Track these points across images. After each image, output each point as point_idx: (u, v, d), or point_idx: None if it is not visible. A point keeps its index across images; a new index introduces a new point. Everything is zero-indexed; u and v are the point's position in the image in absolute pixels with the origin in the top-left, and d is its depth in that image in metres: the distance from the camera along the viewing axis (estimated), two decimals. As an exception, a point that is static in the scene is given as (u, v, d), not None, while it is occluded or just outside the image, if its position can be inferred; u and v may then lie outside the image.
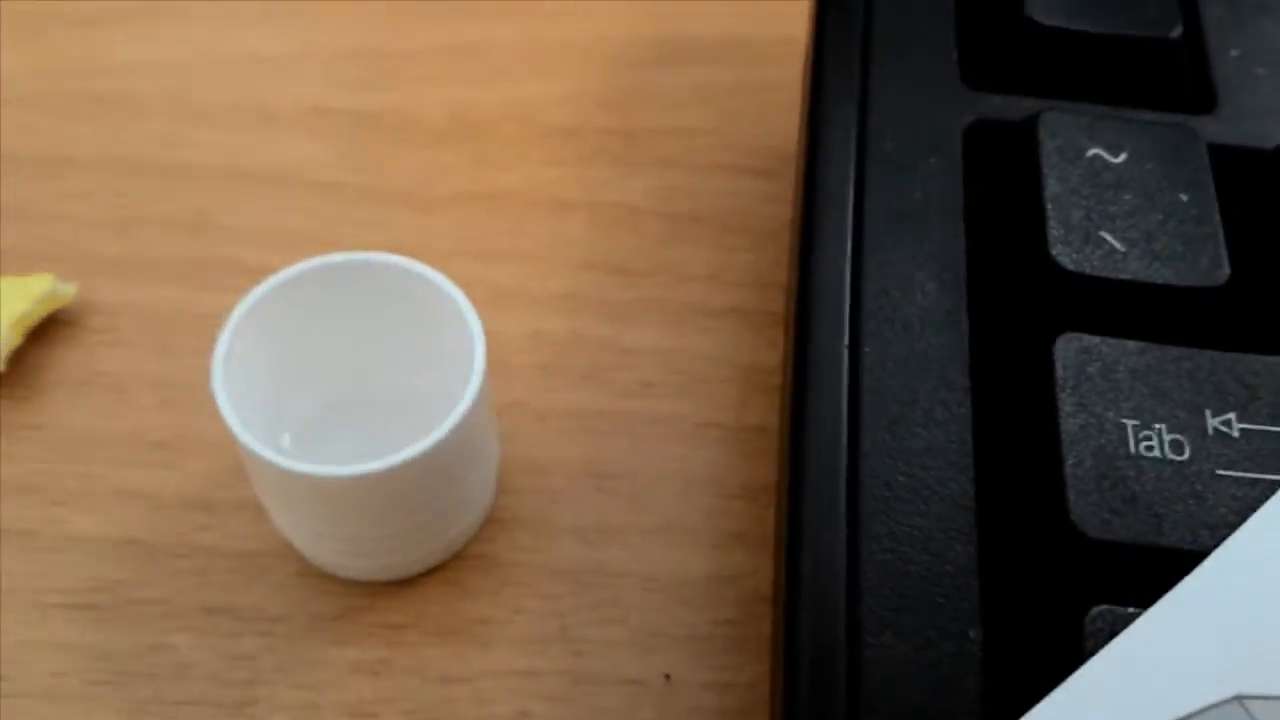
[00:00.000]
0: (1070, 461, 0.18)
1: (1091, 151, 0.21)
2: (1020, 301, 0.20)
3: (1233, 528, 0.17)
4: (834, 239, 0.21)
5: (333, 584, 0.24)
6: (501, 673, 0.23)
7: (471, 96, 0.32)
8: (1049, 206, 0.20)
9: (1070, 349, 0.19)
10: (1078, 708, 0.16)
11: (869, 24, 0.24)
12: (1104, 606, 0.17)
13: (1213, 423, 0.18)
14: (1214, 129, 0.23)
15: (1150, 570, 0.17)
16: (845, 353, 0.20)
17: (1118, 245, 0.20)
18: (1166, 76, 0.23)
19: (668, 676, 0.23)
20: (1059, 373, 0.19)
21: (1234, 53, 0.24)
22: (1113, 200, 0.21)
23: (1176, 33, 0.23)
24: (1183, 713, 0.16)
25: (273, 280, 0.22)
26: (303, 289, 0.23)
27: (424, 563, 0.24)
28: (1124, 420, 0.18)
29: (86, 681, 0.23)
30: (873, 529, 0.18)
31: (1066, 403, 0.19)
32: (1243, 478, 0.18)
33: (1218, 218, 0.20)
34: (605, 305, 0.29)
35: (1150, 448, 0.18)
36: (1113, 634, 0.17)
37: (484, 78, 0.33)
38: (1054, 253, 0.20)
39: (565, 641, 0.23)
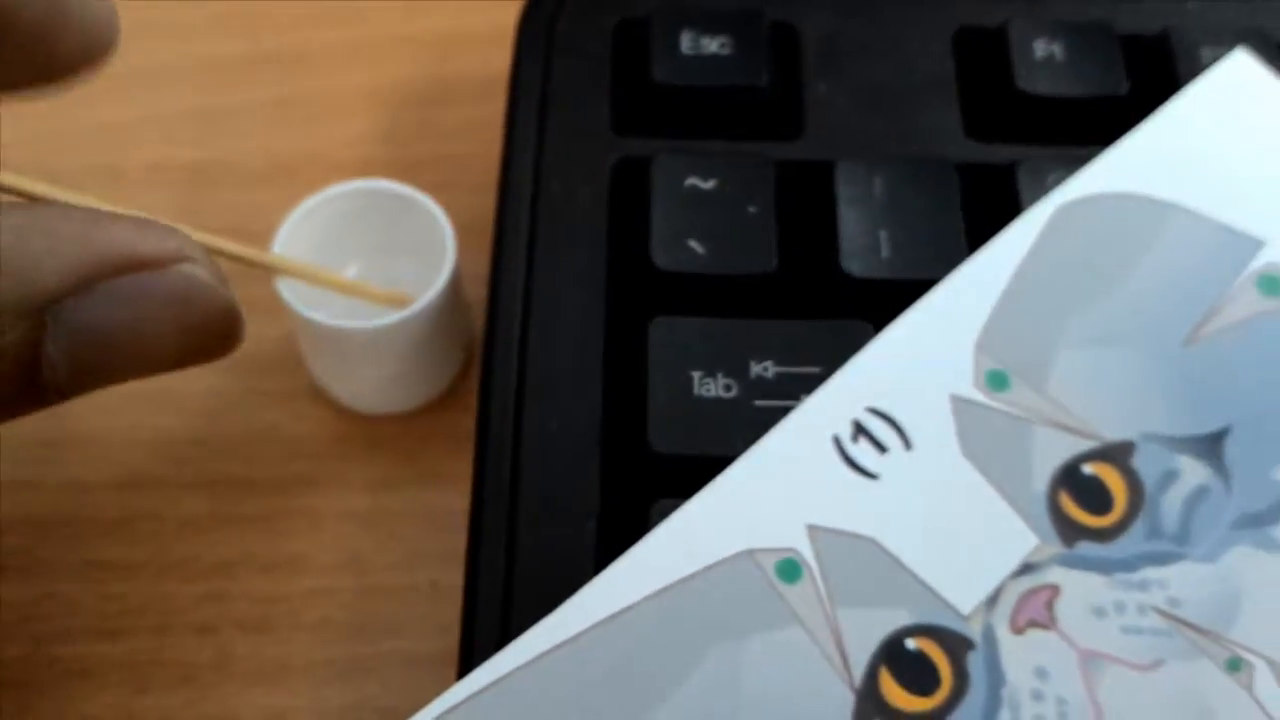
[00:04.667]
0: (651, 405, 0.26)
1: (689, 181, 0.29)
2: (635, 294, 0.28)
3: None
4: (514, 253, 0.30)
5: (180, 538, 0.32)
6: (308, 592, 0.31)
7: (283, 143, 0.40)
8: (653, 223, 0.29)
9: (660, 327, 0.27)
10: (633, 571, 0.24)
11: (546, 85, 0.32)
12: (665, 500, 0.25)
13: (755, 369, 0.27)
14: (794, 151, 0.31)
15: (702, 473, 0.26)
16: (518, 331, 0.28)
17: (700, 249, 0.28)
18: (761, 114, 0.31)
19: (434, 583, 0.31)
20: (650, 345, 0.27)
21: (821, 88, 0.32)
22: (700, 216, 0.29)
23: (765, 81, 0.31)
24: (700, 565, 0.24)
25: (309, 201, 0.32)
26: (337, 204, 0.32)
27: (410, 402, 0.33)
28: (692, 373, 0.27)
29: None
30: (531, 457, 0.27)
31: (653, 365, 0.27)
32: (772, 405, 0.26)
33: (774, 221, 0.29)
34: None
35: (709, 390, 0.27)
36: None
37: (293, 126, 0.41)
38: (653, 257, 0.28)
39: (355, 565, 0.32)
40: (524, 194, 0.30)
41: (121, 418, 0.34)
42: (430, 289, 0.30)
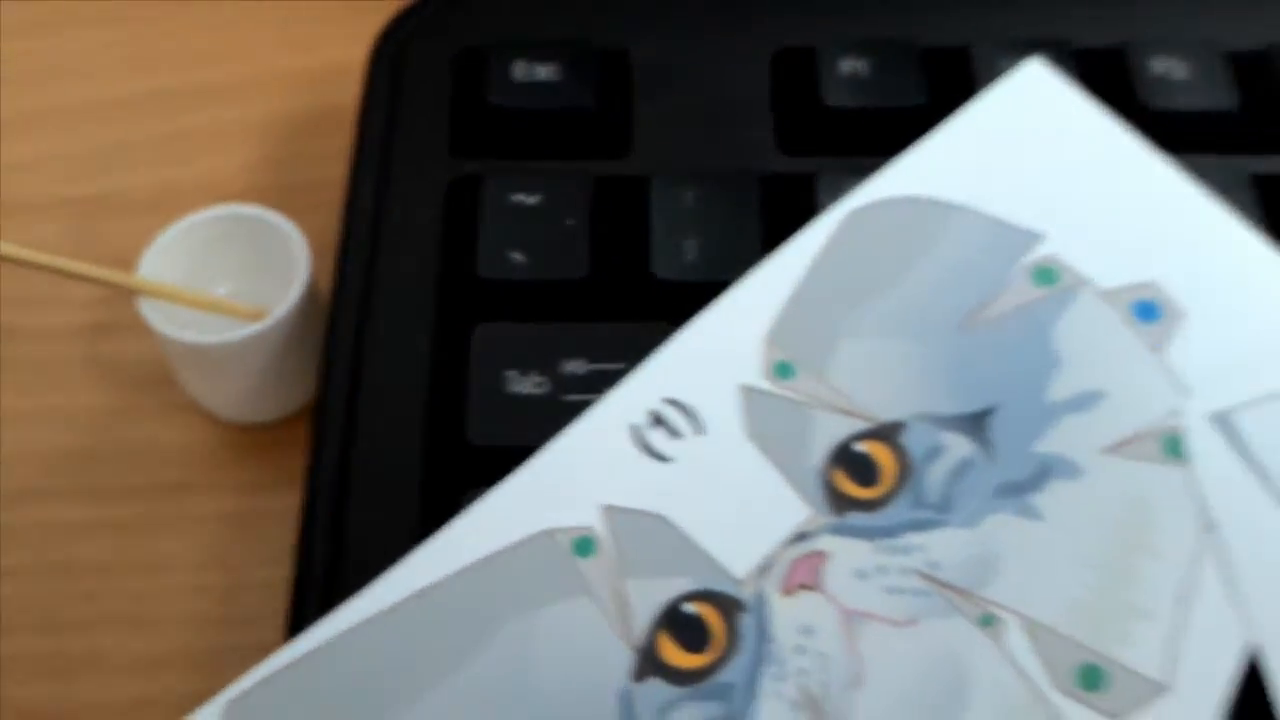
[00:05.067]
0: (469, 402, 0.29)
1: (515, 197, 0.32)
2: (462, 303, 0.31)
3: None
4: (355, 269, 0.32)
5: (62, 543, 0.34)
6: (181, 588, 0.34)
7: (174, 174, 0.43)
8: (480, 237, 0.31)
9: (482, 333, 0.30)
10: (439, 551, 0.26)
11: (392, 110, 0.34)
12: (477, 489, 0.28)
13: (567, 367, 0.29)
14: (620, 168, 0.33)
15: (516, 464, 0.28)
16: (354, 334, 0.31)
17: (521, 259, 0.31)
18: (589, 134, 0.34)
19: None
20: (471, 349, 0.30)
21: (648, 108, 0.35)
22: (523, 229, 0.31)
23: (592, 103, 0.34)
24: (504, 544, 0.27)
25: (175, 227, 0.34)
26: (201, 230, 0.35)
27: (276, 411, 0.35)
28: (508, 372, 0.29)
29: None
30: (361, 455, 0.29)
31: (473, 367, 0.29)
32: (580, 399, 0.29)
33: (588, 232, 0.31)
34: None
35: (523, 387, 0.29)
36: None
37: (183, 158, 0.43)
38: (478, 267, 0.31)
39: (223, 564, 0.34)
40: (366, 212, 0.32)
41: (11, 434, 0.36)
42: (283, 303, 0.33)
